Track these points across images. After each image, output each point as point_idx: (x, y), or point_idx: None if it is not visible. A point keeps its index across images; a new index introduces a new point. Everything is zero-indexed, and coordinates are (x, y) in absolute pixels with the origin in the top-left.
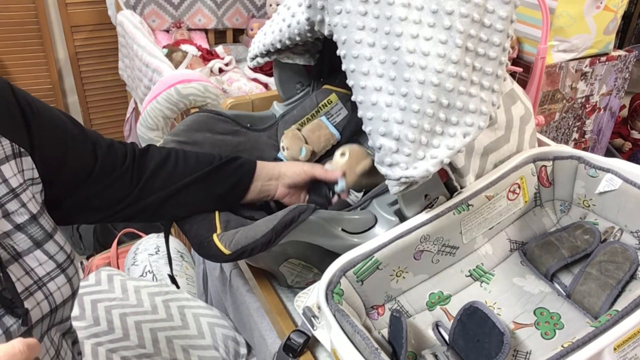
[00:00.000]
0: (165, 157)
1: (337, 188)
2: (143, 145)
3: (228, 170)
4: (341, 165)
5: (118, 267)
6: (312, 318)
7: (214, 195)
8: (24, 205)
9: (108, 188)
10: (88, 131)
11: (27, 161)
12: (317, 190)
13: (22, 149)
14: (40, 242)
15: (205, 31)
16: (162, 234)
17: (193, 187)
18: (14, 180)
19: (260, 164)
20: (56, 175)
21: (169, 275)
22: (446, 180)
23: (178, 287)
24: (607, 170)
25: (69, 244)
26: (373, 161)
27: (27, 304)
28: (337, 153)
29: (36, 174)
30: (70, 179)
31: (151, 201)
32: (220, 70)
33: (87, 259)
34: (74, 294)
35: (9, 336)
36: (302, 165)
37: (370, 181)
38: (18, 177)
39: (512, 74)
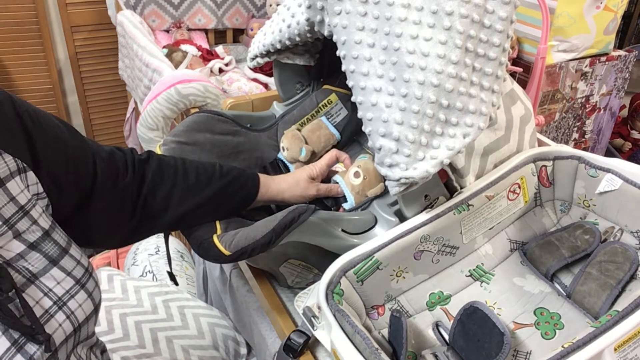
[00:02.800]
0: (164, 167)
1: (346, 205)
2: (143, 145)
3: (230, 194)
4: (354, 186)
5: (118, 267)
6: (312, 318)
7: (214, 217)
8: (35, 222)
9: (113, 202)
10: (88, 141)
11: (31, 176)
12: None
13: (25, 164)
14: (55, 259)
15: (205, 31)
16: (162, 234)
17: (196, 213)
18: (21, 197)
19: (263, 185)
20: (62, 189)
21: (168, 272)
22: (446, 181)
23: (177, 283)
24: (608, 170)
25: (85, 256)
26: (385, 186)
27: (48, 328)
28: (352, 170)
29: (41, 189)
30: (74, 191)
31: (157, 229)
32: (220, 70)
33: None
34: (96, 309)
35: None
36: (305, 191)
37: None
38: (25, 192)
39: (512, 74)
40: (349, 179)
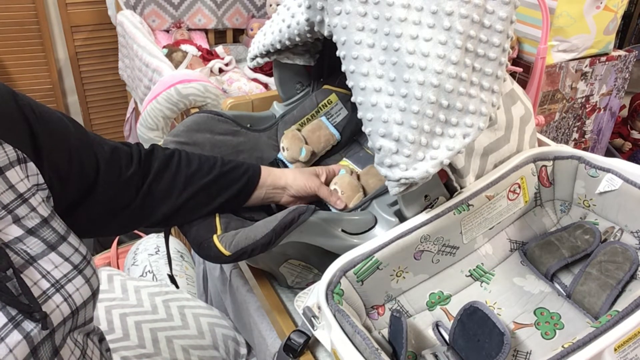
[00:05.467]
0: (168, 157)
1: None
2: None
3: (232, 178)
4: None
5: (118, 267)
6: (312, 318)
7: (217, 203)
8: (33, 209)
9: (117, 193)
10: (91, 135)
11: (31, 167)
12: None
13: (25, 155)
14: (54, 245)
15: (205, 31)
16: (162, 234)
17: (198, 196)
18: (21, 185)
19: (265, 172)
20: (65, 180)
21: (169, 275)
22: (446, 181)
23: (177, 287)
24: (608, 170)
25: (83, 245)
26: (365, 194)
27: (45, 308)
28: (331, 187)
29: (41, 180)
30: (77, 184)
31: (160, 215)
32: (220, 70)
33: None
34: (94, 294)
35: (30, 341)
36: (309, 181)
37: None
38: (25, 182)
39: (512, 74)
40: None
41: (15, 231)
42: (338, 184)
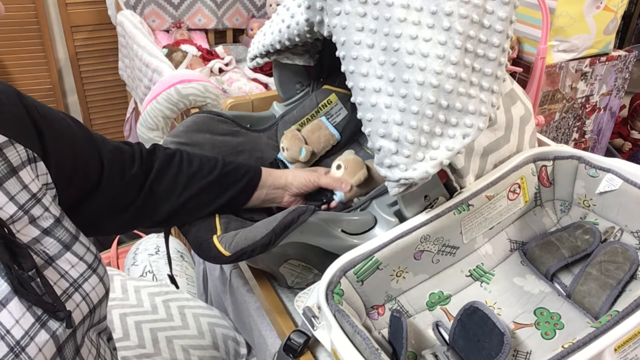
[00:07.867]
0: (170, 157)
1: (336, 198)
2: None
3: (233, 179)
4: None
5: (118, 267)
6: (312, 318)
7: (218, 203)
8: (47, 209)
9: (120, 193)
10: (94, 135)
11: (41, 166)
12: (314, 196)
13: (35, 155)
14: (68, 245)
15: (205, 31)
16: (162, 234)
17: (199, 196)
18: (33, 185)
19: (265, 172)
20: (69, 179)
21: (169, 276)
22: (446, 181)
23: (177, 287)
24: (608, 170)
25: (92, 244)
26: (368, 171)
27: (67, 307)
28: (334, 165)
29: (49, 180)
30: (81, 183)
31: (162, 214)
32: (220, 70)
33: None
34: (107, 292)
35: (56, 340)
36: (308, 175)
37: (366, 190)
38: (36, 181)
39: (512, 74)
40: (334, 173)
41: (32, 232)
42: (342, 159)
